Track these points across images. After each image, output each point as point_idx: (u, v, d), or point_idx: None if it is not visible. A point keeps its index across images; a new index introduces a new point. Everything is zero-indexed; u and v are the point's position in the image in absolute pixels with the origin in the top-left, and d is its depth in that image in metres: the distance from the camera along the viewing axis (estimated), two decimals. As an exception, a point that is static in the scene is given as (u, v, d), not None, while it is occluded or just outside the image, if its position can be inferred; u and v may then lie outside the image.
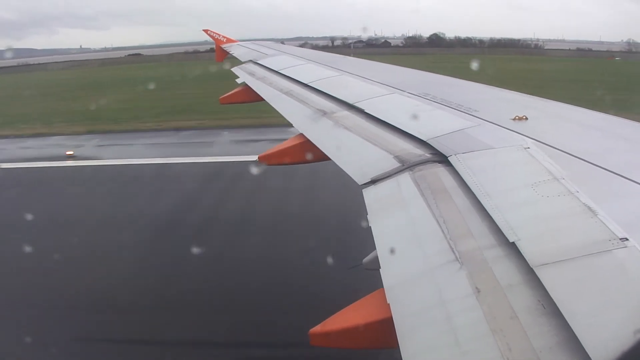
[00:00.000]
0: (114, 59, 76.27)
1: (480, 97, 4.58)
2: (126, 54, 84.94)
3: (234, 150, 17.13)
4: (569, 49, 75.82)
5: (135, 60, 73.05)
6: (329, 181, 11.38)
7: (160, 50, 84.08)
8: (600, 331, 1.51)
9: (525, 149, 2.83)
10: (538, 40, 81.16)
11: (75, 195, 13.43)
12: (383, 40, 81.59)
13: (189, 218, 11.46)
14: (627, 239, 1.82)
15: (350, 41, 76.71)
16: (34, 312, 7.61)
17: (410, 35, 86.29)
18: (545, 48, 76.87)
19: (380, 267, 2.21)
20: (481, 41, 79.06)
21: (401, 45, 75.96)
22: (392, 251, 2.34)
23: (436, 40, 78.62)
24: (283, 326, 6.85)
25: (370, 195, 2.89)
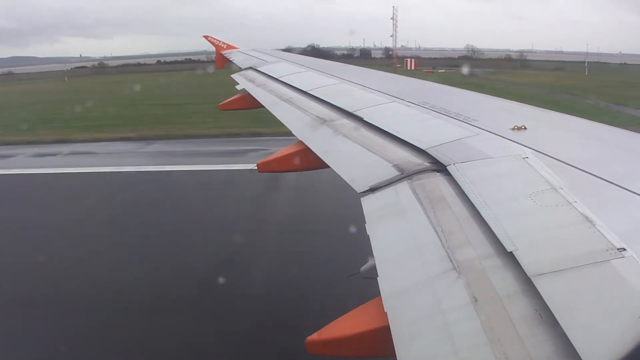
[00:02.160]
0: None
1: (480, 107, 4.59)
2: (73, 67, 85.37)
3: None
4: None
5: (73, 74, 72.18)
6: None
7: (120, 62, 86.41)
8: (597, 341, 1.51)
9: (523, 158, 2.83)
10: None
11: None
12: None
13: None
14: (624, 249, 1.82)
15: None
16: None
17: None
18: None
19: (377, 276, 2.20)
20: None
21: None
22: (390, 260, 2.34)
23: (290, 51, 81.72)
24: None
25: (368, 204, 2.89)
